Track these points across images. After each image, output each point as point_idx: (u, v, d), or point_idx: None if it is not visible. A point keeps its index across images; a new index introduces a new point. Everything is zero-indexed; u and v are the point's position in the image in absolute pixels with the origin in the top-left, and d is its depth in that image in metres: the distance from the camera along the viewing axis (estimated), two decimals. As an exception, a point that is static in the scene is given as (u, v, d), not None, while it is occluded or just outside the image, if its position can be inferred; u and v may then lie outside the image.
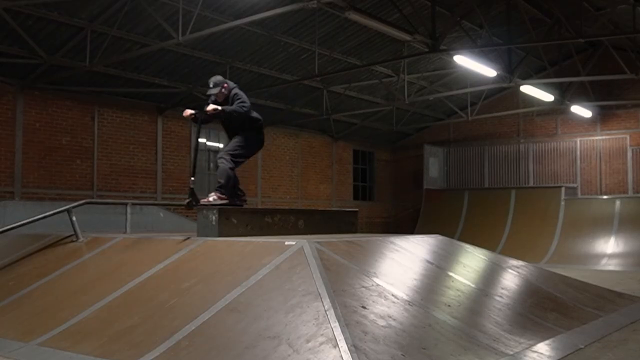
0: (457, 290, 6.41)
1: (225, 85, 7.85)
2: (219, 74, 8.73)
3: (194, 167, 7.99)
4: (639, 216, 17.00)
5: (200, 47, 13.30)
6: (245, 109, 7.63)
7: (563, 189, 18.80)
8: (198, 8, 10.31)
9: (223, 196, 7.59)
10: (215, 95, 7.82)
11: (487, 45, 13.96)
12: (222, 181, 7.63)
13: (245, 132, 7.84)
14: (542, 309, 6.78)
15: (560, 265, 15.02)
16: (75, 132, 13.73)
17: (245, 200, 8.22)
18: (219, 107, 7.55)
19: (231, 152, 7.72)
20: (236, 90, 7.87)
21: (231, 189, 7.77)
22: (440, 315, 5.46)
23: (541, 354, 5.31)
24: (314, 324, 4.65)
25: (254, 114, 7.96)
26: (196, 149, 8.17)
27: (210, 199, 7.54)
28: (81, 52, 11.98)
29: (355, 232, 9.29)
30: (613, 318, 7.29)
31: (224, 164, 7.67)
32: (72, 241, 8.39)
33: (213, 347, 4.76)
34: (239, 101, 7.69)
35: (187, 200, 7.60)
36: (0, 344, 5.74)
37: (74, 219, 8.52)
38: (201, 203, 7.53)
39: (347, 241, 6.81)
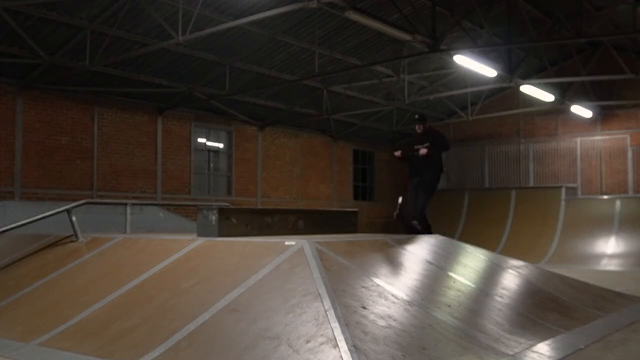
0: (458, 290, 6.41)
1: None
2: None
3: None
4: (639, 216, 17.00)
5: (200, 47, 13.29)
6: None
7: (563, 189, 18.79)
8: (198, 8, 10.29)
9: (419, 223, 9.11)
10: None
11: (487, 45, 13.94)
12: (421, 211, 9.18)
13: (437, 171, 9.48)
14: (542, 309, 6.78)
15: (560, 265, 15.01)
16: (75, 132, 13.72)
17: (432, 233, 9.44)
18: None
19: (431, 189, 9.40)
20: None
21: (425, 219, 9.35)
22: (441, 316, 5.46)
23: (541, 354, 5.30)
24: (314, 324, 4.65)
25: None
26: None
27: (414, 222, 9.07)
28: (81, 52, 11.97)
29: (355, 232, 9.29)
30: (613, 318, 7.29)
31: (425, 199, 9.24)
32: (72, 241, 8.39)
33: (213, 347, 4.75)
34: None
35: (397, 212, 9.62)
36: (0, 344, 5.73)
37: (73, 219, 8.52)
38: (405, 220, 9.22)
39: (347, 241, 6.81)
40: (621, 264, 15.91)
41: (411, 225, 9.07)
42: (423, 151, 9.12)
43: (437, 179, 9.55)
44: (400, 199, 9.67)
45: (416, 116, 9.75)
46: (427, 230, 9.21)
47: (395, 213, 9.67)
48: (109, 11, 11.33)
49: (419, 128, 9.56)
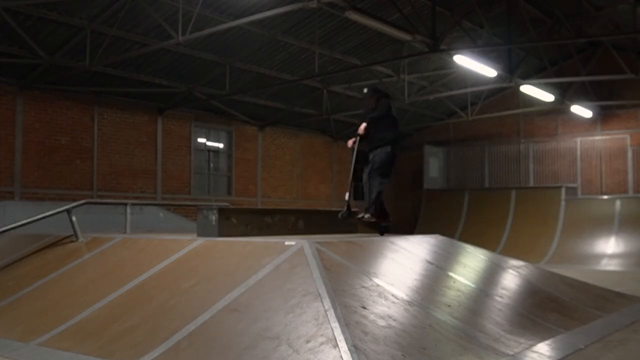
0: (458, 290, 6.40)
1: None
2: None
3: (350, 185, 8.05)
4: (639, 216, 17.01)
5: (200, 47, 13.30)
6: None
7: (563, 189, 18.79)
8: (198, 8, 10.30)
9: (374, 215, 7.85)
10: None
11: (487, 45, 13.94)
12: (374, 201, 7.82)
13: (387, 147, 7.92)
14: (542, 309, 6.77)
15: (560, 265, 15.00)
16: (75, 132, 13.72)
17: (391, 222, 8.34)
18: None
19: (382, 173, 7.84)
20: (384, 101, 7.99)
21: (380, 208, 7.96)
22: (441, 316, 5.45)
23: (541, 354, 5.30)
24: (314, 324, 4.64)
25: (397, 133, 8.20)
26: (354, 169, 8.16)
27: (366, 216, 7.82)
28: (81, 52, 11.97)
29: (355, 232, 9.29)
30: (613, 318, 7.29)
31: (377, 186, 7.81)
32: (72, 241, 8.39)
33: (213, 347, 4.75)
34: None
35: (341, 213, 7.95)
36: (0, 344, 5.73)
37: (73, 219, 8.52)
38: (356, 217, 7.95)
39: (347, 241, 6.81)
40: (621, 264, 15.91)
41: (365, 221, 7.83)
42: (360, 130, 7.73)
43: (391, 156, 7.88)
44: (347, 196, 7.90)
45: (365, 90, 8.10)
46: (384, 219, 8.00)
47: (340, 214, 7.97)
48: (109, 11, 11.33)
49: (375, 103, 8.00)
